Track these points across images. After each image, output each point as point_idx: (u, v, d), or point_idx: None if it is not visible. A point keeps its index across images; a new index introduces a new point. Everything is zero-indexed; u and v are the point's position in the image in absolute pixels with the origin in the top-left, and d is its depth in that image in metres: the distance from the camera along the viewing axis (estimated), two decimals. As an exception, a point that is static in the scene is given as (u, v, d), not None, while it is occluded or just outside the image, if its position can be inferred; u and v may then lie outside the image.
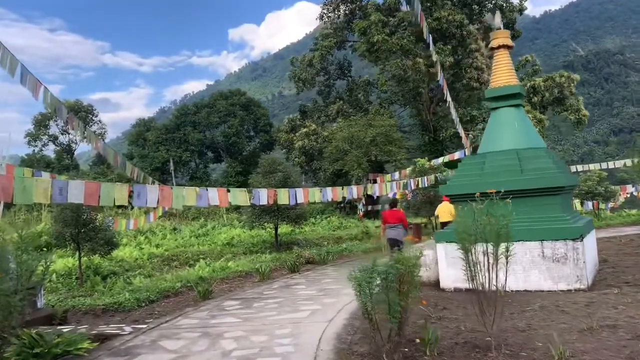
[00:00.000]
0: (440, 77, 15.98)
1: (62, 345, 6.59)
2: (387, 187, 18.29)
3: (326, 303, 9.53)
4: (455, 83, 34.70)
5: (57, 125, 49.19)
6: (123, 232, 17.89)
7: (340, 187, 15.56)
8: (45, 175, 12.47)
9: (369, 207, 31.77)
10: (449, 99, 16.76)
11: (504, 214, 5.98)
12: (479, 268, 6.20)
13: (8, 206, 25.38)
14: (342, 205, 32.90)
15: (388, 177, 27.63)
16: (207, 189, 11.05)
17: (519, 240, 8.88)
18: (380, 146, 29.95)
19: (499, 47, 11.35)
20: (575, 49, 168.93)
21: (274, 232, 18.33)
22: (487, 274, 6.14)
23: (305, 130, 35.89)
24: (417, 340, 6.46)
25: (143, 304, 10.60)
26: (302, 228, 19.57)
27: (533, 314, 7.80)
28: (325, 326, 7.69)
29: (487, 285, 6.08)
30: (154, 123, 53.43)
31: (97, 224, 11.65)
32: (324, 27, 39.00)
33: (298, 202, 13.57)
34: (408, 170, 26.23)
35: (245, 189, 12.28)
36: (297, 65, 40.02)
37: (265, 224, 17.40)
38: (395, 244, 12.22)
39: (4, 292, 5.22)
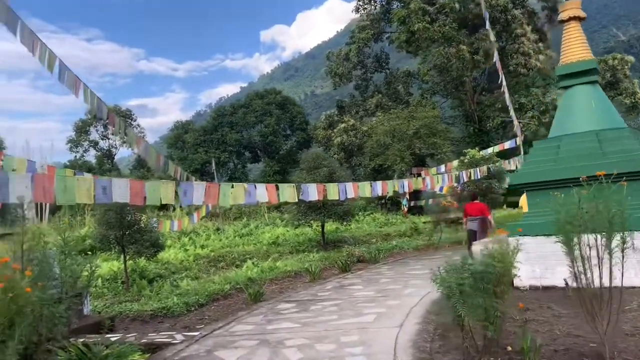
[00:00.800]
0: (495, 58, 14.89)
1: (112, 357, 5.98)
2: (438, 180, 17.28)
3: (390, 305, 8.71)
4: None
5: (97, 131, 49.92)
6: (167, 233, 17.48)
7: (391, 181, 14.71)
8: (87, 176, 12.07)
9: (412, 203, 30.70)
10: (504, 82, 15.65)
11: (618, 199, 5.03)
12: (584, 263, 5.27)
13: (53, 211, 25.52)
14: (383, 201, 31.96)
15: (433, 170, 26.54)
16: (255, 186, 10.39)
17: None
18: (424, 139, 28.84)
19: (569, 19, 10.27)
20: (616, 34, 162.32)
21: (320, 229, 17.60)
22: (593, 270, 5.21)
23: (343, 125, 35.08)
24: (509, 348, 5.57)
25: (192, 309, 10.01)
26: (348, 225, 18.77)
27: (636, 314, 6.80)
28: (396, 332, 6.87)
29: (589, 282, 5.15)
30: (192, 125, 53.67)
31: (142, 225, 11.14)
32: (361, 19, 38.06)
33: (348, 197, 12.81)
34: (455, 163, 25.11)
35: (294, 184, 11.57)
36: (333, 60, 39.23)
37: (312, 221, 16.68)
38: (476, 236, 11.48)
39: (47, 302, 4.62)
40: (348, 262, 13.65)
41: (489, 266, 4.81)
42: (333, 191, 12.17)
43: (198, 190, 9.04)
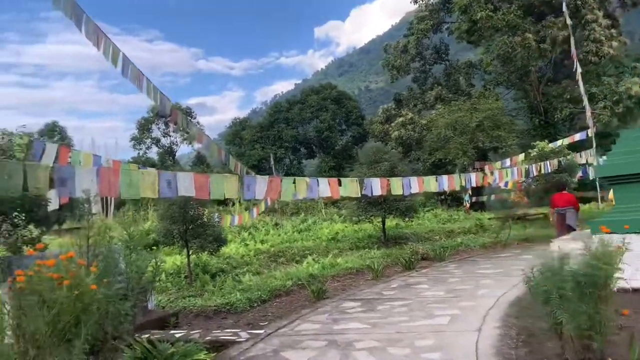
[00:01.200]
0: (572, 45, 13.85)
1: (178, 355, 5.79)
2: (507, 174, 16.39)
3: (464, 307, 8.15)
4: (568, 59, 31.38)
5: (158, 128, 51.37)
6: (227, 228, 17.49)
7: (457, 175, 14.04)
8: (152, 170, 12.13)
9: (474, 199, 29.55)
10: (579, 70, 14.56)
11: None
12: None
13: (118, 206, 26.31)
14: (443, 197, 30.97)
15: (498, 164, 25.41)
16: (317, 180, 10.06)
17: None
18: (487, 131, 27.65)
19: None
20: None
21: (380, 226, 17.10)
22: None
23: (401, 119, 34.26)
24: (609, 360, 4.92)
25: (255, 305, 9.81)
26: (411, 221, 18.16)
27: None
28: (475, 337, 6.34)
29: None
30: (249, 122, 54.24)
31: (205, 220, 11.06)
32: (419, 10, 37.05)
33: (412, 192, 12.29)
34: (521, 156, 23.92)
35: (356, 178, 11.16)
36: (390, 52, 38.42)
37: (372, 217, 16.19)
38: (569, 229, 10.79)
39: (113, 299, 4.43)
40: (412, 260, 13.10)
41: (595, 268, 4.21)
42: (397, 186, 11.69)
43: (261, 185, 8.80)
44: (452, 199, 32.35)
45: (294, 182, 9.59)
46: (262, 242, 17.62)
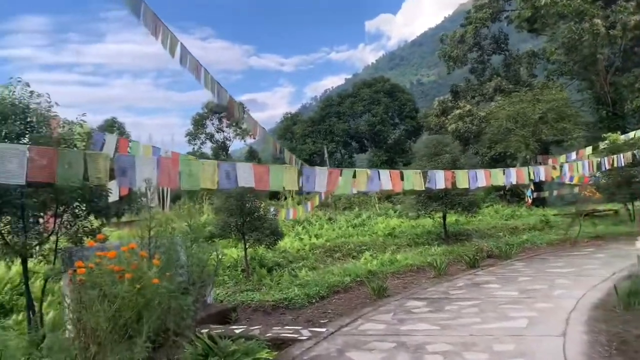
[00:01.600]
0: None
1: (239, 353, 5.51)
2: (577, 168, 15.34)
3: (541, 309, 7.51)
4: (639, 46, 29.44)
5: (212, 124, 52.19)
6: (281, 222, 17.30)
7: (526, 168, 13.22)
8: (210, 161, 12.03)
9: (535, 194, 28.16)
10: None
11: None
12: None
13: (173, 200, 26.73)
14: (502, 192, 29.75)
15: (562, 158, 24.05)
16: (378, 172, 9.61)
17: None
18: (551, 123, 26.25)
19: None
20: None
21: (440, 221, 16.44)
22: None
23: (458, 111, 33.16)
24: None
25: (313, 301, 9.51)
26: (472, 217, 17.36)
27: None
28: (560, 343, 5.74)
29: None
30: (300, 117, 54.21)
31: (262, 213, 10.83)
32: (476, -1, 35.72)
33: (478, 185, 11.63)
34: (588, 149, 22.52)
35: (419, 170, 10.62)
36: (446, 42, 37.25)
37: (433, 212, 15.54)
38: None
39: (175, 293, 4.17)
40: (477, 258, 12.42)
41: None
42: (462, 179, 11.07)
43: (320, 176, 8.44)
44: (511, 194, 31.09)
45: (354, 174, 9.18)
46: (316, 236, 17.32)
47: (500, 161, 29.64)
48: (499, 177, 12.06)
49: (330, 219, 21.59)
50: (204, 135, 52.89)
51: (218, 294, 9.57)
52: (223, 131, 52.86)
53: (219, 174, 7.09)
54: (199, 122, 52.34)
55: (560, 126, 26.25)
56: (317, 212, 23.14)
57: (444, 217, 15.83)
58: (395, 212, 23.46)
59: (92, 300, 3.40)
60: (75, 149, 5.92)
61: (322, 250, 14.67)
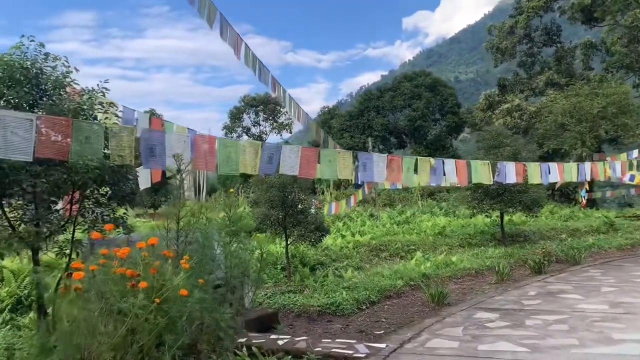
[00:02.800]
0: None
1: (287, 377, 4.42)
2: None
3: (650, 330, 6.14)
4: None
5: (249, 117, 51.72)
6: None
7: (602, 163, 11.74)
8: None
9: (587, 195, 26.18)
10: None
11: None
12: None
13: (209, 192, 25.96)
14: (550, 192, 27.85)
15: (623, 155, 22.14)
16: (443, 161, 8.37)
17: None
18: (611, 119, 24.26)
19: None
20: None
21: (497, 220, 15.00)
22: None
23: (506, 106, 31.34)
24: None
25: (363, 307, 8.38)
26: (532, 217, 15.82)
27: None
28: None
29: None
30: (338, 110, 53.07)
31: (306, 206, 9.71)
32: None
33: (551, 180, 10.23)
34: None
35: (488, 161, 9.31)
36: (494, 34, 35.36)
37: (491, 210, 14.10)
38: None
39: (210, 306, 3.07)
40: (543, 262, 11.01)
41: None
42: (535, 173, 9.70)
43: (379, 164, 7.26)
44: (560, 194, 29.17)
45: (416, 162, 7.97)
46: (360, 234, 16.13)
47: (547, 159, 27.74)
48: (573, 172, 10.62)
49: (372, 215, 20.34)
50: (240, 128, 52.45)
51: (257, 295, 8.51)
52: (259, 125, 52.34)
53: (262, 157, 6.00)
54: (235, 116, 51.90)
55: (620, 121, 24.23)
56: (356, 208, 21.93)
57: (502, 216, 14.37)
58: (441, 209, 22.05)
59: (90, 319, 2.34)
60: (95, 121, 4.92)
61: (367, 249, 13.48)
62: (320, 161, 6.62)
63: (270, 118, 52.60)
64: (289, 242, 9.94)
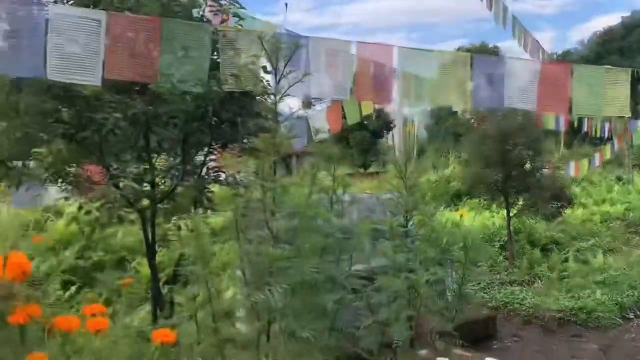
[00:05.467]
0: None
1: None
2: None
3: None
4: None
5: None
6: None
7: None
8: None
9: None
10: None
11: None
12: None
13: (419, 154, 23.78)
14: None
15: None
16: None
17: None
18: None
19: None
20: None
21: None
22: None
23: None
24: None
25: (630, 315, 5.58)
26: None
27: None
28: None
29: None
30: (570, 56, 45.73)
31: (537, 164, 6.93)
32: None
33: None
34: None
35: None
36: None
37: None
38: None
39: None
40: None
41: None
42: None
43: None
44: None
45: None
46: (604, 201, 12.43)
47: None
48: None
49: (620, 179, 15.97)
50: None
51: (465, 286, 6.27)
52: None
53: (474, 79, 3.66)
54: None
55: None
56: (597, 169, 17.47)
57: None
58: None
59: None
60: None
61: (622, 224, 9.99)
62: (573, 87, 3.98)
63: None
64: (511, 214, 7.33)
